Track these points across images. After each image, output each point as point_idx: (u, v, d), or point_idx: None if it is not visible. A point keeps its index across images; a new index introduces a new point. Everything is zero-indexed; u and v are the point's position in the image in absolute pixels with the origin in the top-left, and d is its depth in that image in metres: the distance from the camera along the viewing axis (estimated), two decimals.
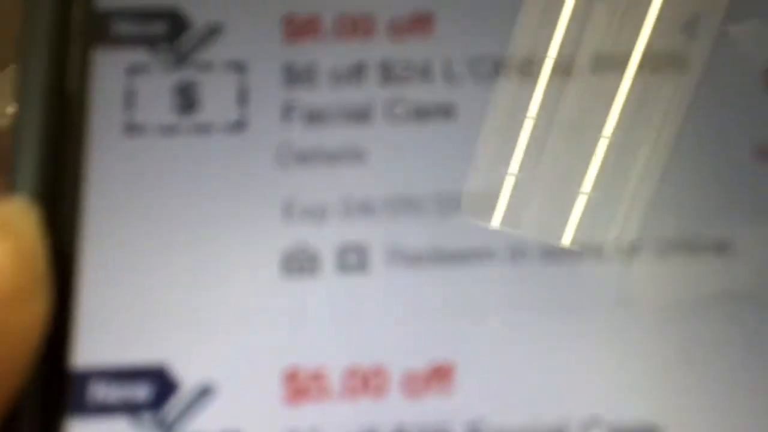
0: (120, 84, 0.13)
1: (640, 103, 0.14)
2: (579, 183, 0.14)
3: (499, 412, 0.13)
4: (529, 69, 0.14)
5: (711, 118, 0.14)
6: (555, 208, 0.14)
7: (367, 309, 0.13)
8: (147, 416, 0.13)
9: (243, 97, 0.14)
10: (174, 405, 0.13)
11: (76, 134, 0.13)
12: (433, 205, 0.13)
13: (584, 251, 0.13)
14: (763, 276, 0.13)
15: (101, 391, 0.13)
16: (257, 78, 0.14)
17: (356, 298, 0.13)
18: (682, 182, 0.14)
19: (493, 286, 0.13)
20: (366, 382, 0.13)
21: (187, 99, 0.14)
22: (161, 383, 0.13)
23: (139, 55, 0.14)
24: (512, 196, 0.14)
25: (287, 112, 0.14)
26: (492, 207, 0.14)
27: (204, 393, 0.13)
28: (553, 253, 0.13)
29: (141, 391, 0.13)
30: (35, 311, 0.12)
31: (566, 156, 0.14)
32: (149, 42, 0.14)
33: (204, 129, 0.13)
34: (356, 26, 0.14)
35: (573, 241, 0.13)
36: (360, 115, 0.14)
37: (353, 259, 0.13)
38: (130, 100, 0.13)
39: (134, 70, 0.14)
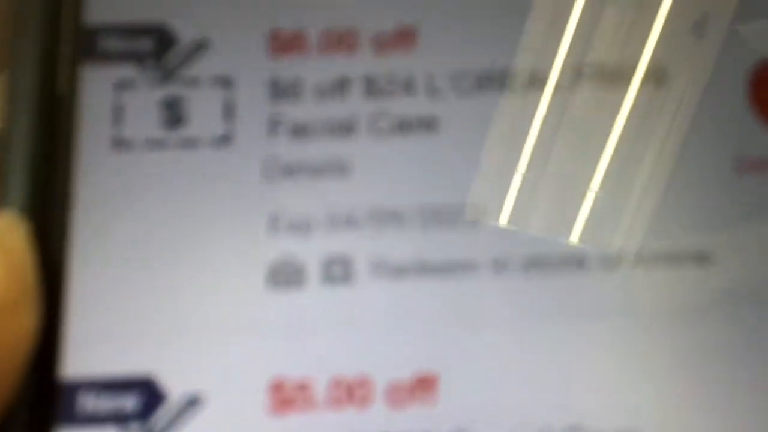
0: (108, 99, 0.14)
1: (624, 117, 0.14)
2: (583, 185, 0.14)
3: (483, 422, 0.13)
4: (506, 83, 0.14)
5: (692, 132, 0.14)
6: (556, 211, 0.14)
7: (352, 320, 0.13)
8: (135, 427, 0.13)
9: (229, 112, 0.14)
10: (161, 416, 0.13)
11: (65, 149, 0.13)
12: (417, 218, 0.14)
13: (567, 262, 0.13)
14: (744, 284, 0.13)
15: (90, 402, 0.13)
16: (243, 93, 0.14)
17: (341, 309, 0.13)
18: (667, 194, 0.14)
19: (476, 298, 0.13)
20: (351, 392, 0.13)
21: (174, 114, 0.14)
22: (149, 394, 0.13)
23: (126, 71, 0.14)
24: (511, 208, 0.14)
25: (273, 126, 0.14)
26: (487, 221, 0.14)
27: (191, 403, 0.13)
28: (536, 265, 0.13)
29: (129, 402, 0.13)
30: (25, 324, 0.12)
31: (566, 160, 0.14)
32: (137, 58, 0.14)
33: (191, 143, 0.14)
34: (341, 41, 0.14)
35: (554, 253, 0.14)
36: (344, 129, 0.14)
37: (338, 271, 0.13)
38: (117, 115, 0.14)
39: (122, 86, 0.14)
